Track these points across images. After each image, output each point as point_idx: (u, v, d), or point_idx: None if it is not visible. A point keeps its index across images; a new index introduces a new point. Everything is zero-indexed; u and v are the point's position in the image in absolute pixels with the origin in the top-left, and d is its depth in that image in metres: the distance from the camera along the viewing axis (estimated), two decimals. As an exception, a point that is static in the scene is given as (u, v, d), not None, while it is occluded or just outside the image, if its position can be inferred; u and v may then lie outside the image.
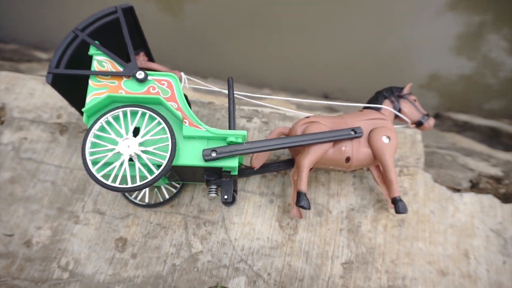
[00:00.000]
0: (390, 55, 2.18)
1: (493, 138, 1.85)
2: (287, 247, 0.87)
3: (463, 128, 1.95)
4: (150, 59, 0.96)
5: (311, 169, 0.91)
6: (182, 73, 0.90)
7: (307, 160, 0.79)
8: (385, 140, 0.82)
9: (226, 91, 0.87)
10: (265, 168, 0.91)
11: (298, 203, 0.79)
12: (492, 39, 2.11)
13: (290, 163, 0.92)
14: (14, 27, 2.29)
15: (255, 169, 0.85)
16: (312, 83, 2.53)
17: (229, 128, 0.76)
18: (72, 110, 1.02)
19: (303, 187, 0.80)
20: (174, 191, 0.90)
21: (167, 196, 0.89)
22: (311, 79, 2.51)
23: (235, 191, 0.80)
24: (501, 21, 2.17)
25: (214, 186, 0.79)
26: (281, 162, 0.92)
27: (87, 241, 0.86)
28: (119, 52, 0.86)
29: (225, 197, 0.76)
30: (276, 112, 1.04)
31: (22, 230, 0.86)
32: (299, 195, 0.80)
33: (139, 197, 0.89)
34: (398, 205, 0.83)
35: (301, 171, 0.80)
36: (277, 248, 0.87)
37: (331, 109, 2.29)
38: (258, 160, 0.84)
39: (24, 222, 0.87)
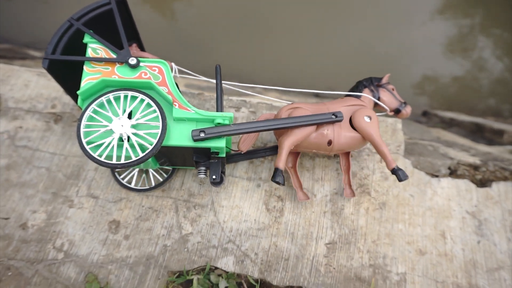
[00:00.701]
0: (383, 58, 2.24)
1: (476, 133, 1.92)
2: (273, 228, 0.91)
3: (449, 125, 2.02)
4: (141, 48, 1.01)
5: (298, 153, 0.95)
6: (172, 63, 0.94)
7: (288, 141, 0.84)
8: (367, 119, 0.87)
9: (214, 81, 0.92)
10: (253, 155, 0.96)
11: (273, 178, 0.83)
12: (482, 40, 2.18)
13: (276, 149, 0.96)
14: (6, 27, 2.32)
15: (242, 152, 0.90)
16: (303, 84, 2.59)
17: (217, 111, 0.80)
18: (67, 100, 1.05)
19: (281, 164, 0.84)
20: (165, 176, 0.94)
21: (160, 180, 0.93)
22: (303, 80, 2.57)
23: (223, 172, 0.84)
24: (490, 23, 2.25)
25: (203, 168, 0.84)
26: (267, 148, 0.97)
27: (81, 223, 0.89)
28: (113, 43, 0.90)
29: (213, 177, 0.80)
30: (263, 102, 1.09)
31: (18, 213, 0.89)
32: (276, 170, 0.84)
33: (133, 183, 0.93)
34: (398, 174, 0.86)
35: (281, 150, 0.84)
36: (263, 230, 0.91)
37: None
38: (245, 144, 0.89)
39: (20, 206, 0.90)
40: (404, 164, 1.03)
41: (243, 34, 2.43)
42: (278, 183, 0.82)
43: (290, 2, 2.43)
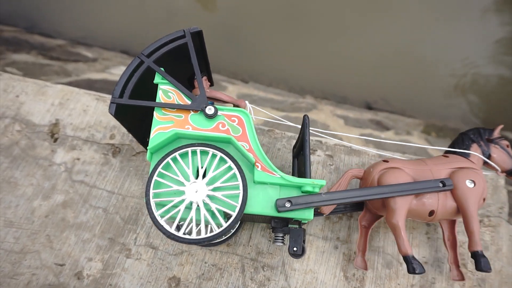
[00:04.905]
0: (429, 59, 2.10)
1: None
2: (352, 301, 0.79)
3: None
4: (210, 81, 0.90)
5: (380, 216, 0.82)
6: (246, 102, 0.83)
7: (399, 218, 0.70)
8: (469, 184, 0.72)
9: (299, 126, 0.80)
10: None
11: (410, 271, 0.69)
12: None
13: (358, 206, 0.83)
14: (59, 21, 2.30)
15: (324, 215, 0.77)
16: (353, 91, 2.43)
17: (305, 175, 0.68)
18: (126, 130, 0.97)
19: (408, 249, 0.70)
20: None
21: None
22: (352, 86, 2.41)
23: (304, 241, 0.73)
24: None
25: (281, 234, 0.72)
26: (348, 204, 0.84)
27: (139, 278, 0.81)
28: (182, 74, 0.80)
29: (294, 249, 0.69)
30: (341, 144, 0.96)
31: (73, 260, 0.82)
32: (407, 260, 0.70)
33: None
34: (480, 261, 0.73)
35: (398, 233, 0.70)
36: (341, 302, 0.79)
37: (378, 123, 2.18)
38: (329, 206, 0.76)
39: (76, 251, 0.83)
40: (509, 231, 0.87)
41: (291, 35, 2.30)
42: (417, 273, 0.68)
43: (337, 5, 2.29)
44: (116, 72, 1.90)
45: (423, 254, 0.84)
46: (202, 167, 0.66)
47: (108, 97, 1.02)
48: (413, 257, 0.70)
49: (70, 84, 1.68)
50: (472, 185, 0.73)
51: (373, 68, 2.31)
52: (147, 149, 0.69)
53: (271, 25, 2.39)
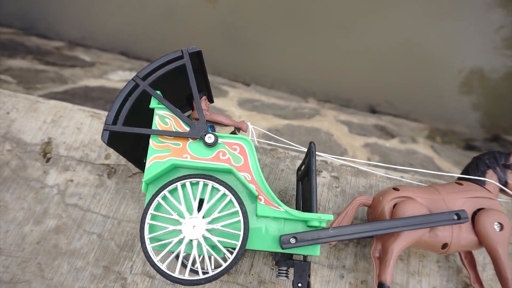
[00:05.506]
0: (433, 58, 2.06)
1: None
2: (359, 334, 0.75)
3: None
4: (210, 99, 0.85)
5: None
6: (248, 123, 0.78)
7: (398, 246, 0.67)
8: (496, 227, 0.67)
9: (305, 149, 0.75)
10: (337, 237, 0.79)
11: None
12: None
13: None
14: (58, 21, 2.25)
15: (331, 246, 0.73)
16: (357, 93, 2.38)
17: (311, 210, 0.64)
18: (122, 149, 0.92)
19: (388, 278, 0.67)
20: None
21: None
22: (355, 87, 2.37)
23: (309, 275, 0.68)
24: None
25: (285, 268, 0.68)
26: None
27: (135, 309, 0.77)
28: (180, 92, 0.75)
29: (299, 284, 0.64)
30: (347, 165, 0.91)
31: (66, 290, 0.78)
32: (381, 287, 0.67)
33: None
34: None
35: (388, 258, 0.67)
36: (348, 335, 0.75)
37: (383, 129, 2.13)
38: (335, 238, 0.72)
39: (68, 280, 0.79)
40: (524, 259, 0.82)
41: (293, 35, 2.26)
42: None
43: (338, 5, 2.25)
44: (114, 78, 1.86)
45: (433, 284, 0.80)
46: (201, 199, 0.62)
47: (104, 113, 0.98)
48: None
49: (66, 92, 1.64)
50: (499, 228, 0.68)
51: (376, 69, 2.27)
52: (143, 171, 0.65)
53: (273, 25, 2.34)
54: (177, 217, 0.60)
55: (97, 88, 1.68)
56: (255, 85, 2.38)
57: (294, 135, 1.80)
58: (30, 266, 0.80)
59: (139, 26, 2.29)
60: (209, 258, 0.73)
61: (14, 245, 0.81)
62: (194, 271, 0.76)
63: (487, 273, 0.81)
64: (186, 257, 0.78)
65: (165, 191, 0.60)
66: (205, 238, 0.60)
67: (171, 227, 0.59)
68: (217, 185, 0.60)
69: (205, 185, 0.62)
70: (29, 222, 0.84)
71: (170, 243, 0.60)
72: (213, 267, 0.69)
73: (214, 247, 0.62)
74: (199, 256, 0.61)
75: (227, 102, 1.97)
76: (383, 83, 2.23)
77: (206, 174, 0.61)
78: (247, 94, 2.23)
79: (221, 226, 0.60)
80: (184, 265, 0.75)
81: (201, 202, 0.64)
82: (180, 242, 0.60)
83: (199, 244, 0.61)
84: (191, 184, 0.62)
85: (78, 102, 1.41)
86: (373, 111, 2.30)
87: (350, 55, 2.24)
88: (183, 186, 0.62)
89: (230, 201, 0.61)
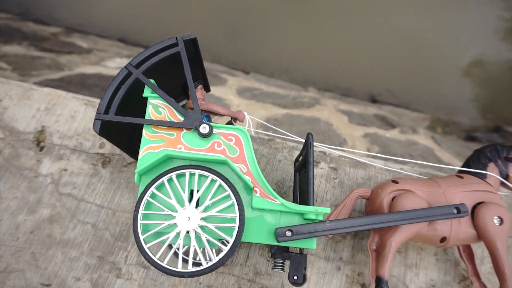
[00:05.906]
0: (435, 47, 2.04)
1: None
2: (355, 327, 0.75)
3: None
4: (207, 88, 0.83)
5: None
6: (245, 113, 0.77)
7: (396, 240, 0.66)
8: (496, 222, 0.66)
9: (303, 140, 0.73)
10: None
11: None
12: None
13: (363, 225, 0.78)
14: (55, 6, 2.21)
15: (328, 239, 0.72)
16: (357, 82, 2.35)
17: (308, 202, 0.62)
18: (117, 138, 0.91)
19: (386, 272, 0.66)
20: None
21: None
22: (356, 76, 2.33)
23: (305, 267, 0.68)
24: None
25: (281, 260, 0.67)
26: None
27: (130, 300, 0.76)
28: (175, 80, 0.73)
29: (295, 277, 0.64)
30: (346, 156, 0.90)
31: (60, 280, 0.77)
32: (378, 282, 0.66)
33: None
34: None
35: (386, 252, 0.66)
36: (343, 328, 0.75)
37: (383, 119, 2.11)
38: (332, 230, 0.71)
39: (63, 270, 0.78)
40: (522, 253, 0.82)
41: (293, 22, 2.22)
42: None
43: None
44: (111, 65, 1.83)
45: (431, 276, 0.79)
46: (197, 191, 0.60)
47: (98, 101, 0.96)
48: (386, 283, 0.66)
49: (62, 79, 1.62)
50: (499, 222, 0.67)
51: (377, 58, 2.24)
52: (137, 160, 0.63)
53: (275, 12, 2.29)
54: (169, 212, 0.59)
55: (94, 76, 1.66)
56: (255, 74, 2.35)
57: (293, 125, 1.78)
58: (24, 255, 0.79)
59: (138, 12, 2.25)
60: (202, 250, 0.72)
61: (8, 235, 0.81)
62: (195, 264, 0.75)
63: (485, 267, 0.80)
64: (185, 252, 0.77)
65: (152, 188, 0.59)
66: (202, 227, 0.59)
67: (165, 223, 0.58)
68: (204, 173, 0.59)
69: (191, 174, 0.61)
70: (22, 212, 0.83)
71: (167, 239, 0.58)
72: (208, 259, 0.69)
73: (209, 241, 0.61)
74: (200, 248, 0.60)
75: (226, 90, 1.94)
76: (384, 73, 2.20)
77: (192, 164, 0.60)
78: (246, 83, 2.20)
79: (216, 212, 0.59)
80: (177, 255, 0.74)
81: (192, 194, 0.63)
82: (177, 235, 0.59)
83: (197, 235, 0.60)
84: (178, 176, 0.60)
85: (74, 90, 1.39)
86: (373, 100, 2.27)
87: (352, 44, 2.21)
88: (170, 180, 0.61)
89: (220, 185, 0.60)
